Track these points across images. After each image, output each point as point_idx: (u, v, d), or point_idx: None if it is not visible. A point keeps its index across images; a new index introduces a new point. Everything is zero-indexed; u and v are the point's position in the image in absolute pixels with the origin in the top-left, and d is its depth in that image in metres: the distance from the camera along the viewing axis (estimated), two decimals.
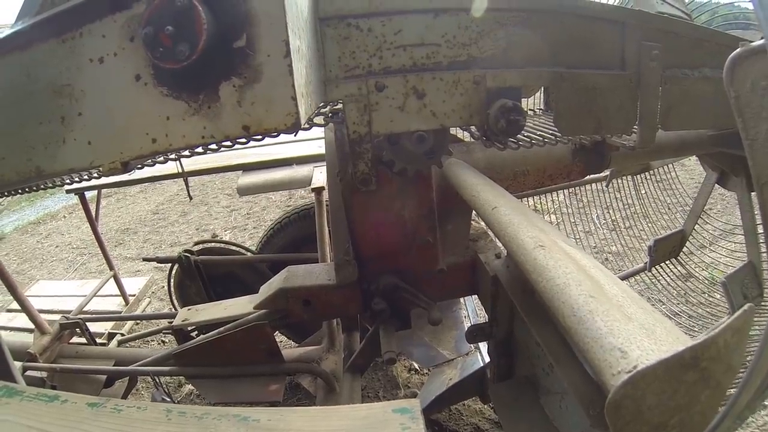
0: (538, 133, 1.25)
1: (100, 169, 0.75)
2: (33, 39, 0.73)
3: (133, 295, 3.18)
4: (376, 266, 1.36)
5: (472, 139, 1.32)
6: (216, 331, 1.53)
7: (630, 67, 1.16)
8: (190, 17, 0.63)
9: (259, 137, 0.75)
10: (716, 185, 2.12)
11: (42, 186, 1.42)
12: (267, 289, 1.44)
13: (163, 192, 7.07)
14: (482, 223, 1.89)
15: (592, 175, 1.74)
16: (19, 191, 1.48)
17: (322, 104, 1.05)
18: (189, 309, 1.79)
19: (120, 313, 2.96)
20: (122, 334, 2.73)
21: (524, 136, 1.22)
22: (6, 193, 1.60)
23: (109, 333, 2.70)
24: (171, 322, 1.81)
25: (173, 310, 2.57)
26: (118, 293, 3.12)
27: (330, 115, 1.18)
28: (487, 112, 1.04)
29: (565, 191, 2.90)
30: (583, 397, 0.85)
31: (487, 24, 1.03)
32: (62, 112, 0.75)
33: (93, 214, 2.90)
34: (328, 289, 1.37)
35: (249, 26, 0.67)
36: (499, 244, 1.46)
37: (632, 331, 0.48)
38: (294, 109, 0.70)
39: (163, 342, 3.22)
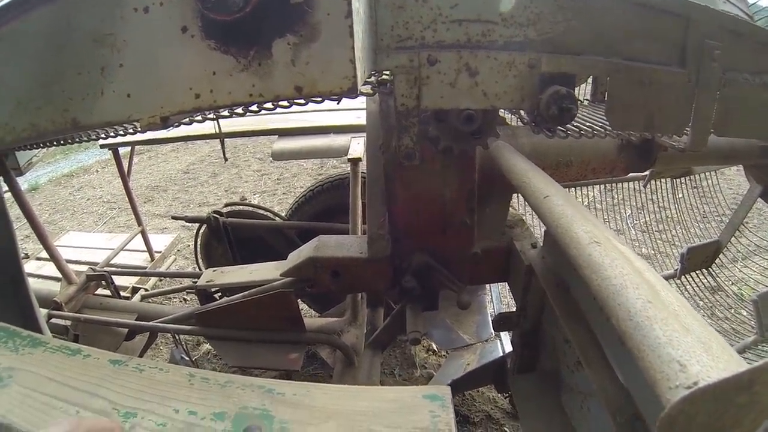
0: (587, 124, 1.21)
1: (138, 123, 0.73)
2: None
3: (159, 252, 3.23)
4: (410, 243, 1.34)
5: (520, 123, 1.29)
6: (240, 294, 1.53)
7: (690, 65, 1.11)
8: None
9: (313, 100, 0.73)
10: (759, 199, 2.06)
11: (77, 139, 1.42)
12: (296, 257, 1.42)
13: (195, 152, 7.15)
14: (520, 210, 1.85)
15: (632, 173, 1.70)
16: (55, 143, 1.48)
17: (371, 73, 1.02)
18: (214, 270, 1.81)
19: (145, 268, 3.01)
20: (146, 290, 2.78)
21: (573, 126, 1.18)
22: (42, 145, 1.61)
23: (133, 287, 2.75)
24: (195, 282, 1.82)
25: (198, 269, 2.60)
26: (145, 249, 3.18)
27: (377, 85, 1.15)
28: (539, 97, 1.01)
29: (600, 186, 2.85)
30: (610, 403, 0.82)
31: (547, 5, 0.98)
32: (102, 62, 0.73)
33: (125, 169, 2.93)
34: (359, 262, 1.35)
35: None
36: (537, 234, 1.43)
37: (691, 344, 0.46)
38: (352, 72, 0.67)
39: (185, 300, 3.27)
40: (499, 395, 2.37)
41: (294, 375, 1.83)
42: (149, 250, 3.18)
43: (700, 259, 2.27)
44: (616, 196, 2.89)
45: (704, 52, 1.09)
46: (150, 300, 2.67)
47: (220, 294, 1.86)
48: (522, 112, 1.13)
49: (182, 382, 0.68)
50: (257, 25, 0.66)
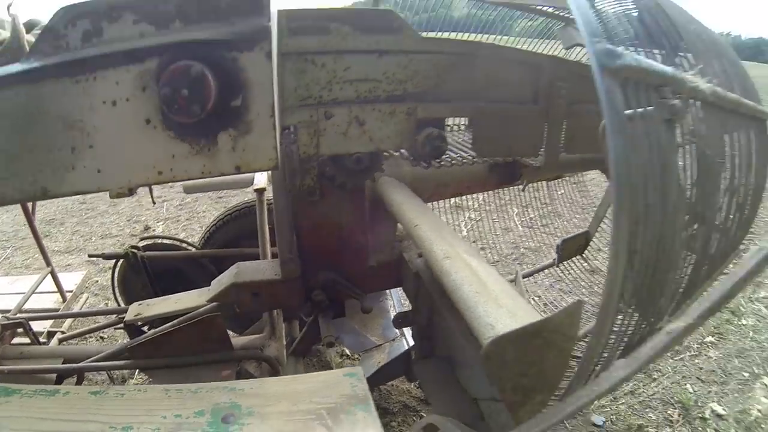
0: (457, 153, 1.50)
1: (108, 192, 0.92)
2: (46, 75, 0.84)
3: (71, 291, 3.17)
4: (316, 263, 1.57)
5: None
6: (169, 324, 1.66)
7: (541, 102, 1.43)
8: (202, 83, 0.81)
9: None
10: None
11: None
12: (218, 284, 1.61)
13: None
14: None
15: None
16: None
17: None
18: (140, 304, 1.89)
19: (58, 310, 2.95)
20: (62, 332, 2.70)
21: (445, 155, 1.46)
22: None
23: (48, 331, 2.68)
24: (120, 317, 1.91)
25: (118, 305, 2.62)
26: (55, 290, 3.08)
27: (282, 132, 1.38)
28: (416, 138, 1.27)
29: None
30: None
31: (422, 64, 1.24)
32: (73, 143, 0.88)
33: (30, 205, 2.85)
34: (275, 283, 1.55)
35: (244, 90, 0.87)
36: None
37: (501, 314, 0.73)
38: (275, 155, 0.90)
39: (102, 338, 3.24)
40: (412, 386, 2.61)
41: None
42: (60, 290, 3.09)
43: (573, 248, 2.60)
44: (503, 197, 3.22)
45: (553, 92, 1.41)
46: (68, 342, 2.65)
47: (147, 327, 1.94)
48: (403, 151, 1.39)
49: (160, 396, 0.84)
50: (207, 123, 0.87)
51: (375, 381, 2.17)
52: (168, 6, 0.83)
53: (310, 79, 1.17)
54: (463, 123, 1.97)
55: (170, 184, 5.07)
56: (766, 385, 2.93)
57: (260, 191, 2.13)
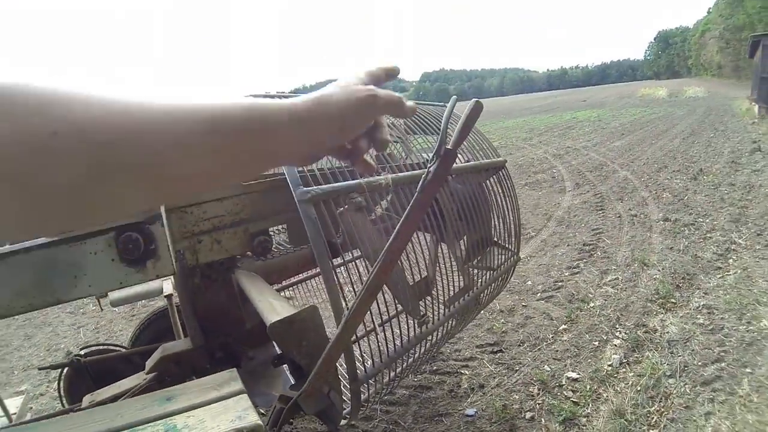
0: (282, 246, 2.40)
1: (96, 295, 1.72)
2: (59, 243, 1.67)
3: (14, 413, 3.60)
4: (212, 333, 2.34)
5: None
6: (122, 397, 2.32)
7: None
8: (138, 241, 1.72)
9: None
10: None
11: None
12: (152, 361, 2.35)
13: None
14: None
15: None
16: None
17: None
18: (91, 395, 2.46)
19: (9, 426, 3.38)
20: None
21: (275, 249, 2.35)
22: None
23: None
24: (78, 410, 2.49)
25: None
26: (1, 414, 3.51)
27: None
28: (252, 244, 2.16)
29: None
30: None
31: (246, 200, 2.14)
32: (76, 273, 1.69)
33: None
34: (189, 351, 2.29)
35: (155, 241, 1.76)
36: None
37: (277, 314, 1.59)
38: (173, 268, 1.82)
39: None
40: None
41: None
42: (6, 413, 3.43)
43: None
44: None
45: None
46: None
47: None
48: (248, 253, 2.27)
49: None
50: (140, 258, 1.74)
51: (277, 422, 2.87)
52: None
53: (186, 221, 2.06)
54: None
55: (81, 312, 5.68)
56: (615, 345, 3.60)
57: (169, 296, 2.93)
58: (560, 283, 4.86)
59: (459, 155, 2.55)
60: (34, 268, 1.66)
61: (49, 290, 1.69)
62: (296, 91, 2.75)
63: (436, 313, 2.26)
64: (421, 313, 2.16)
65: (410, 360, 2.25)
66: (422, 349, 2.29)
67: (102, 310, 3.81)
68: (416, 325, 2.13)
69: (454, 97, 1.51)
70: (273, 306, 1.68)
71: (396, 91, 0.70)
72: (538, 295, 4.69)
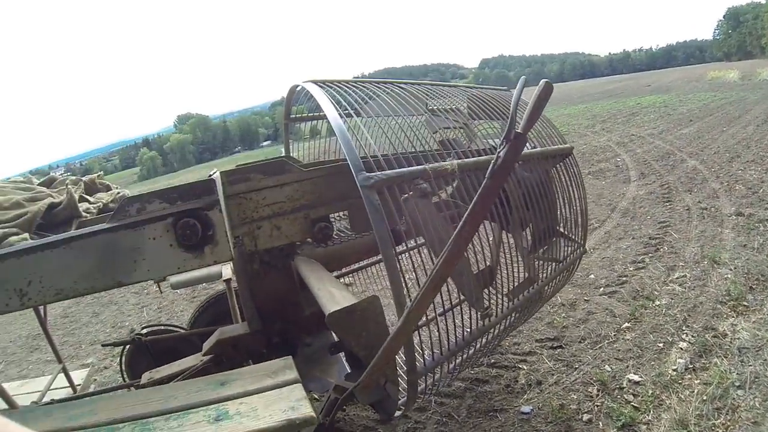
0: (343, 233, 2.35)
1: (155, 280, 1.72)
2: (120, 228, 1.69)
3: (79, 385, 3.69)
4: (270, 318, 2.33)
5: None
6: (179, 376, 2.32)
7: None
8: (195, 227, 1.69)
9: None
10: None
11: None
12: (209, 343, 2.36)
13: None
14: None
15: None
16: None
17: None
18: (150, 372, 2.49)
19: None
20: None
21: (335, 235, 2.30)
22: None
23: None
24: (137, 386, 2.55)
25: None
26: (65, 385, 3.58)
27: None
28: (313, 230, 2.11)
29: None
30: None
31: (307, 186, 2.10)
32: (135, 257, 1.72)
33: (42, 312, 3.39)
34: (246, 336, 2.30)
35: (213, 227, 1.74)
36: None
37: (337, 304, 1.54)
38: (230, 254, 1.79)
39: None
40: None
41: None
42: (71, 384, 3.58)
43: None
44: None
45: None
46: None
47: None
48: (308, 239, 2.22)
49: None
50: (199, 244, 1.73)
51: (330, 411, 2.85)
52: (174, 194, 1.69)
53: (245, 207, 2.03)
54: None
55: (146, 292, 5.87)
56: (681, 348, 3.36)
57: (228, 281, 2.95)
58: (624, 278, 4.64)
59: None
60: (97, 251, 1.68)
61: (111, 273, 1.70)
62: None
63: (498, 305, 2.16)
64: (485, 305, 2.07)
65: (470, 352, 2.17)
66: (483, 342, 2.21)
67: (162, 293, 3.90)
68: (478, 317, 2.04)
69: (523, 77, 1.42)
70: (332, 294, 1.63)
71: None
72: (601, 289, 4.49)
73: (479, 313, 2.05)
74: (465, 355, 2.13)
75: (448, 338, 1.96)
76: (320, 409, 1.86)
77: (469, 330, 2.04)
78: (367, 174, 1.63)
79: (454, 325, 2.02)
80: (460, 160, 1.92)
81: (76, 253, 1.66)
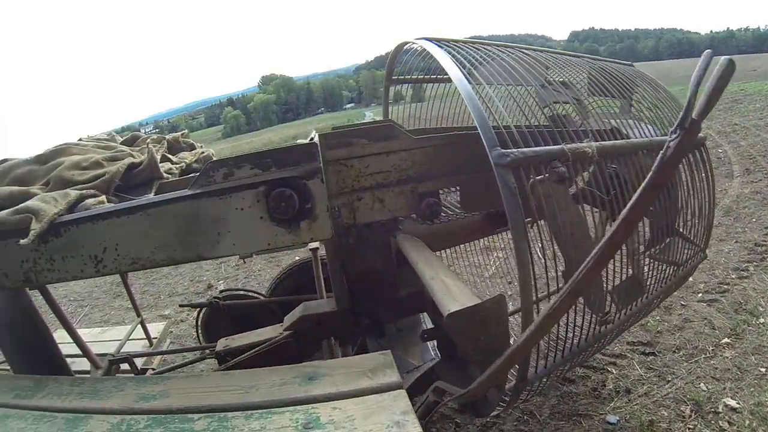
0: (452, 212, 2.11)
1: (239, 256, 1.55)
2: (203, 196, 1.50)
3: (156, 338, 3.77)
4: (360, 298, 2.13)
5: None
6: (257, 348, 2.20)
7: None
8: (292, 198, 1.47)
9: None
10: None
11: None
12: (291, 318, 2.21)
13: None
14: None
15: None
16: None
17: None
18: (226, 339, 2.41)
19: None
20: (153, 369, 3.19)
21: (443, 215, 2.07)
22: None
23: (141, 369, 3.07)
24: (204, 354, 2.46)
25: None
26: (141, 337, 3.56)
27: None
28: (419, 206, 1.89)
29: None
30: None
31: (417, 155, 1.85)
32: (219, 230, 1.51)
33: None
34: (332, 314, 2.12)
35: (312, 199, 1.52)
36: None
37: (457, 303, 1.31)
38: (330, 232, 1.56)
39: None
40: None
41: None
42: (148, 336, 3.55)
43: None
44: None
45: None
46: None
47: (230, 358, 2.37)
48: (413, 215, 2.00)
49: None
50: (294, 217, 1.52)
51: (414, 392, 2.68)
52: (267, 160, 1.49)
53: (345, 176, 1.81)
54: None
55: None
56: None
57: (314, 250, 2.79)
58: (725, 286, 4.15)
59: (649, 126, 2.13)
60: (177, 220, 1.51)
61: (191, 245, 1.53)
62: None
63: (616, 310, 1.90)
64: (605, 310, 1.81)
65: (579, 358, 1.94)
66: (594, 349, 1.97)
67: (244, 263, 3.85)
68: (596, 323, 1.79)
69: (708, 51, 1.17)
70: (449, 289, 1.40)
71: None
72: (700, 295, 4.04)
73: (598, 318, 1.80)
74: (575, 362, 1.90)
75: (565, 345, 1.73)
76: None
77: (585, 337, 1.78)
78: (503, 151, 1.38)
79: (572, 330, 1.78)
80: (598, 143, 1.64)
81: (155, 221, 1.50)
